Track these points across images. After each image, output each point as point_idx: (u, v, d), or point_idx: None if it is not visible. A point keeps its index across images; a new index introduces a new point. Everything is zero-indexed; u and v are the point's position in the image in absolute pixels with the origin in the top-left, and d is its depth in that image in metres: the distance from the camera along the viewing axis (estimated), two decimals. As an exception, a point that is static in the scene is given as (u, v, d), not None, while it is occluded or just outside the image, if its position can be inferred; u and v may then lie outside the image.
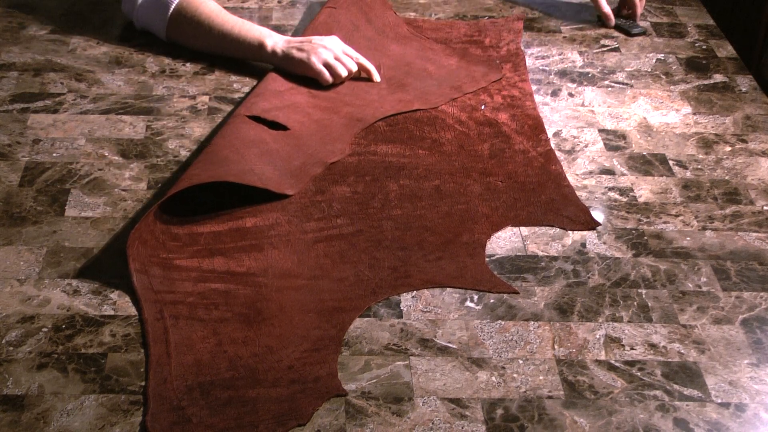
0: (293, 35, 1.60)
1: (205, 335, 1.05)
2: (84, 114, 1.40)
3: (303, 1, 1.71)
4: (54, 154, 1.32)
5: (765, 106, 1.51)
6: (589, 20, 1.71)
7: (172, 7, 1.52)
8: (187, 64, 1.53)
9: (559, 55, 1.61)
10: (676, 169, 1.36)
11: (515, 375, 1.03)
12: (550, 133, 1.42)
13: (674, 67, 1.60)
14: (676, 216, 1.27)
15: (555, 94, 1.52)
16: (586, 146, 1.40)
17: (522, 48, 1.62)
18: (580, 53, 1.62)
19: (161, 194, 1.25)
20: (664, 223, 1.26)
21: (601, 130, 1.44)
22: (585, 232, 1.24)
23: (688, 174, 1.35)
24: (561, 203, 1.28)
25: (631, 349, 1.07)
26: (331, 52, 1.47)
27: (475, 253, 1.19)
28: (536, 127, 1.42)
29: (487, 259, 1.18)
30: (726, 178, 1.35)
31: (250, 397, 0.99)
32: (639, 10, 1.71)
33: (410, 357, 1.05)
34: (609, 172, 1.35)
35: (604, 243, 1.22)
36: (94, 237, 1.18)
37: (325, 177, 1.30)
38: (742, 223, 1.27)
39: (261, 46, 1.49)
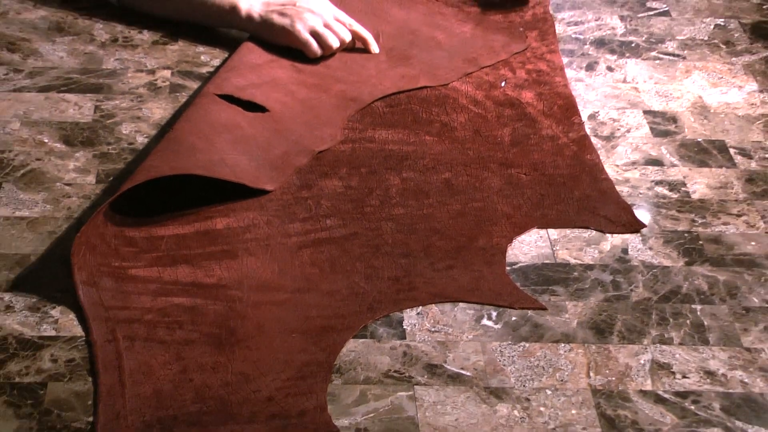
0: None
1: (167, 360, 1.06)
2: (18, 92, 1.40)
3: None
4: (-18, 141, 1.32)
5: None
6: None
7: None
8: (145, 32, 1.53)
9: (596, 20, 1.62)
10: (738, 158, 1.37)
11: (542, 408, 1.04)
12: (584, 115, 1.43)
13: (737, 35, 1.60)
14: (738, 216, 1.28)
15: (591, 68, 1.52)
16: (628, 131, 1.41)
17: (551, 12, 1.62)
18: (622, 18, 1.63)
19: (113, 190, 1.25)
20: (724, 224, 1.27)
21: (646, 112, 1.44)
22: (627, 236, 1.24)
23: (753, 165, 1.36)
24: (598, 200, 1.29)
25: (684, 377, 1.08)
26: (320, 17, 1.47)
27: (493, 261, 1.19)
28: (568, 108, 1.43)
29: (507, 268, 1.19)
30: (799, 169, 1.36)
31: (220, 435, 0.99)
32: None
33: (415, 386, 1.05)
34: (656, 162, 1.36)
35: (650, 248, 1.23)
36: (31, 241, 1.18)
37: (312, 169, 1.30)
38: (818, 224, 1.27)
39: (234, 10, 1.49)
